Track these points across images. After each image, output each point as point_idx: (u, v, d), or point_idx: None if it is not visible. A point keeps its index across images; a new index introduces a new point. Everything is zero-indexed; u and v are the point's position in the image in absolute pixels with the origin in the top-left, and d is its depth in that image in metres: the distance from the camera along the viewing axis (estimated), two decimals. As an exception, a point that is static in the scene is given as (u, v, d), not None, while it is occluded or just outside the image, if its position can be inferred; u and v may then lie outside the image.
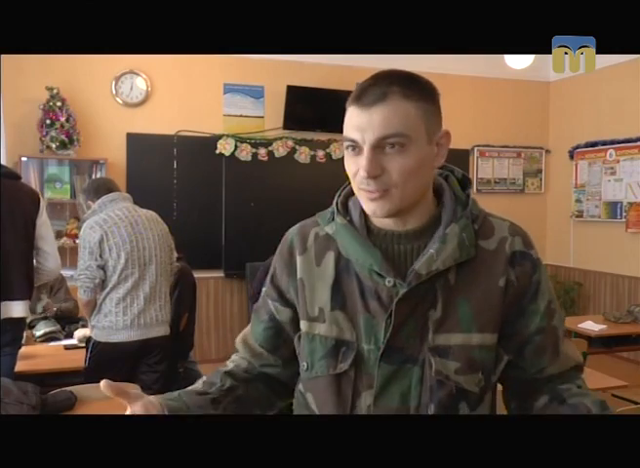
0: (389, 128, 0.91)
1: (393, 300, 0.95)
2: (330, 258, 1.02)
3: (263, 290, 1.13)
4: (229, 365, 1.14)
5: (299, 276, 1.04)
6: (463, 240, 0.96)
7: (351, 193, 1.06)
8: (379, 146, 0.92)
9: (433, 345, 0.95)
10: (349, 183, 1.08)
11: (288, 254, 1.07)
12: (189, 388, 1.07)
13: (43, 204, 2.80)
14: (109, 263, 2.67)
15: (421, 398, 0.95)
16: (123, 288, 2.68)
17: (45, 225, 2.79)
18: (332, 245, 1.03)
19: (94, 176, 4.70)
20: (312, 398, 1.03)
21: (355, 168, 0.95)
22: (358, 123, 0.92)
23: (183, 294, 3.39)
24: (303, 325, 1.04)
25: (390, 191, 0.93)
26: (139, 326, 2.69)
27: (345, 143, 0.96)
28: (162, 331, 2.80)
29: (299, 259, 1.05)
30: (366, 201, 0.95)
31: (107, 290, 2.69)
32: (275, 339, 1.10)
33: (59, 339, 3.27)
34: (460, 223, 0.97)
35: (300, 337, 1.05)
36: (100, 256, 2.66)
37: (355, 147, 0.94)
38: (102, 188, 2.86)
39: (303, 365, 1.04)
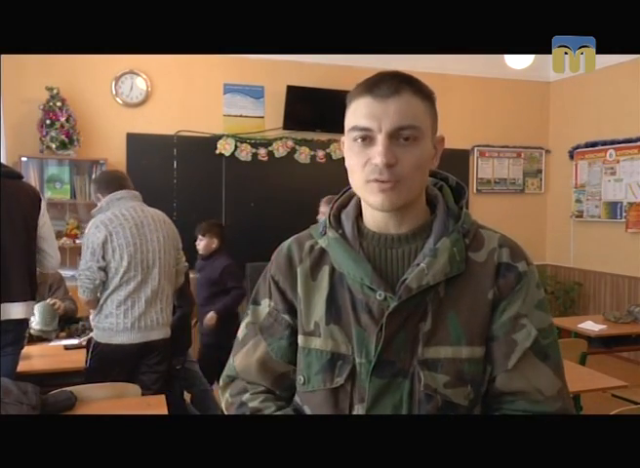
0: (406, 119, 0.92)
1: (384, 314, 0.95)
2: (325, 272, 1.02)
3: (266, 305, 1.07)
4: (268, 404, 1.04)
5: (298, 289, 1.04)
6: (454, 255, 0.96)
7: (344, 206, 1.07)
8: (393, 136, 0.92)
9: (422, 358, 0.95)
10: (344, 192, 1.08)
11: (288, 266, 1.06)
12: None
13: (44, 204, 2.79)
14: (112, 265, 2.65)
15: (411, 411, 0.95)
16: (125, 290, 2.67)
17: (46, 226, 2.78)
18: (326, 259, 1.03)
19: (94, 177, 4.69)
20: (309, 411, 1.02)
21: (365, 158, 0.94)
22: (372, 112, 0.93)
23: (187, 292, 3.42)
24: (300, 339, 1.03)
25: (401, 182, 0.93)
26: (139, 328, 2.68)
27: (354, 134, 0.95)
28: (162, 333, 2.78)
29: (298, 271, 1.04)
30: (375, 192, 0.94)
31: (109, 291, 2.67)
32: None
33: (50, 340, 3.24)
34: (451, 238, 0.97)
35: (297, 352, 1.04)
36: (103, 258, 2.64)
37: (366, 137, 0.94)
38: (114, 184, 2.82)
39: (300, 378, 1.03)
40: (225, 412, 1.10)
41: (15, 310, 2.62)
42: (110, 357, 2.66)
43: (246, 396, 1.07)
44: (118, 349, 2.66)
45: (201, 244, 4.01)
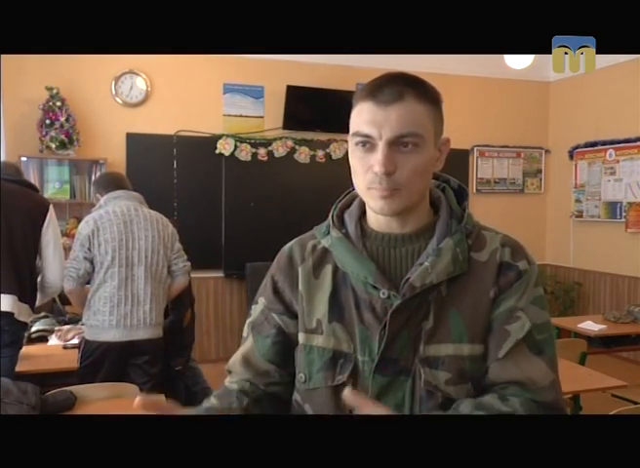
0: (407, 126, 0.92)
1: (387, 312, 0.95)
2: (327, 271, 1.03)
3: (262, 304, 1.08)
4: (234, 385, 1.06)
5: (299, 288, 1.04)
6: (457, 255, 0.97)
7: (347, 206, 1.07)
8: (394, 144, 0.92)
9: (424, 356, 0.95)
10: (347, 194, 1.09)
11: (288, 266, 1.06)
12: (205, 407, 1.01)
13: (51, 216, 2.75)
14: (97, 259, 2.69)
15: (413, 409, 0.96)
16: (110, 286, 2.68)
17: (52, 240, 2.74)
18: (329, 258, 1.03)
19: (93, 177, 4.70)
20: (311, 409, 1.02)
21: (366, 165, 0.94)
22: (373, 118, 0.92)
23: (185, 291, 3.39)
24: (301, 337, 1.03)
25: (400, 190, 0.94)
26: (124, 326, 2.68)
27: (356, 139, 0.95)
28: (150, 333, 2.76)
29: (299, 270, 1.05)
30: (375, 199, 0.95)
31: (95, 286, 2.70)
32: (284, 354, 1.05)
33: (48, 339, 3.25)
34: (454, 238, 0.98)
35: (297, 350, 1.04)
36: (89, 250, 2.69)
37: (367, 143, 0.94)
38: (112, 184, 2.88)
39: (301, 376, 1.03)
40: None
41: None
42: (98, 355, 2.67)
43: (227, 379, 1.10)
44: (105, 347, 2.67)
45: None
